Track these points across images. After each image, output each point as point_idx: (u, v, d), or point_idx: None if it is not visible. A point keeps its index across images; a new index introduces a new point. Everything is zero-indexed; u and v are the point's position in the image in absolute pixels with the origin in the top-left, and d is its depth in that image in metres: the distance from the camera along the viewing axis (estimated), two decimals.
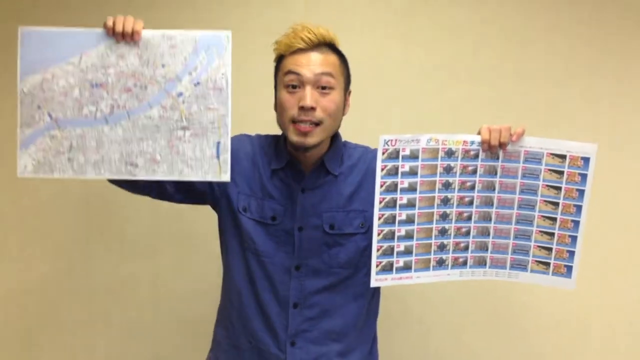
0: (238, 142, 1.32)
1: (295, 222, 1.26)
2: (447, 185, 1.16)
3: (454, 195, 1.17)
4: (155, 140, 1.21)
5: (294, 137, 1.20)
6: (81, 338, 1.92)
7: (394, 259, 1.16)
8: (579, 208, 1.16)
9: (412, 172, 1.14)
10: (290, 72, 1.20)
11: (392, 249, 1.15)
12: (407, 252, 1.16)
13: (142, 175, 1.20)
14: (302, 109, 1.18)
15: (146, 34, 1.18)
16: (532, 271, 1.20)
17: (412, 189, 1.14)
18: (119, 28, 1.17)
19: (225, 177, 1.21)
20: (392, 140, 1.12)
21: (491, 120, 1.76)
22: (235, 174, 1.28)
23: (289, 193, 1.27)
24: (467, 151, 1.15)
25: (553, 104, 1.79)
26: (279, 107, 1.24)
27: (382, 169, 1.12)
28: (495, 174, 1.17)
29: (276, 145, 1.32)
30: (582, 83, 1.78)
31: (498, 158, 1.16)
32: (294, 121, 1.20)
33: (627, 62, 1.78)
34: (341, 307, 1.28)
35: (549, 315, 1.83)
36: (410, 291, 1.84)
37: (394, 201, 1.14)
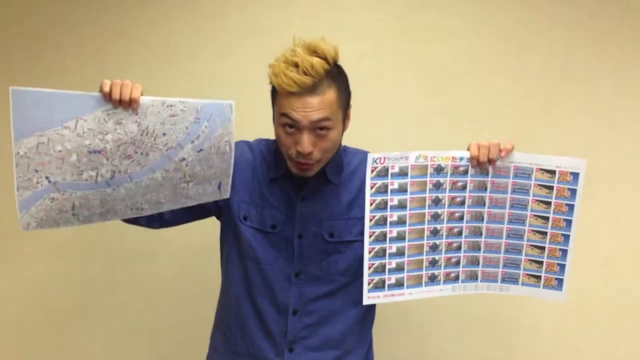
0: (238, 149, 1.31)
1: (294, 230, 1.27)
2: (437, 202, 1.17)
3: (444, 211, 1.18)
4: (159, 192, 1.20)
5: (293, 169, 1.22)
6: (80, 339, 1.95)
7: (386, 276, 1.18)
8: (569, 222, 1.17)
9: (402, 190, 1.15)
10: (285, 115, 1.16)
11: (383, 266, 1.17)
12: (399, 269, 1.18)
13: (148, 213, 1.21)
14: (299, 152, 1.17)
15: (145, 100, 1.14)
16: (523, 284, 1.22)
17: (402, 206, 1.16)
18: (115, 95, 1.12)
19: (226, 194, 1.25)
20: (380, 159, 1.14)
21: (490, 119, 1.80)
22: (237, 183, 1.29)
23: (288, 201, 1.28)
24: (456, 167, 1.16)
25: (552, 103, 1.80)
26: (277, 138, 1.23)
27: (372, 187, 1.14)
28: (485, 189, 1.18)
29: (275, 153, 1.31)
30: (581, 83, 1.79)
31: (487, 174, 1.17)
32: (292, 159, 1.20)
33: (627, 62, 1.79)
34: (340, 314, 1.30)
35: (549, 319, 1.84)
36: None
37: (384, 219, 1.16)
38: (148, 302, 1.94)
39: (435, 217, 1.18)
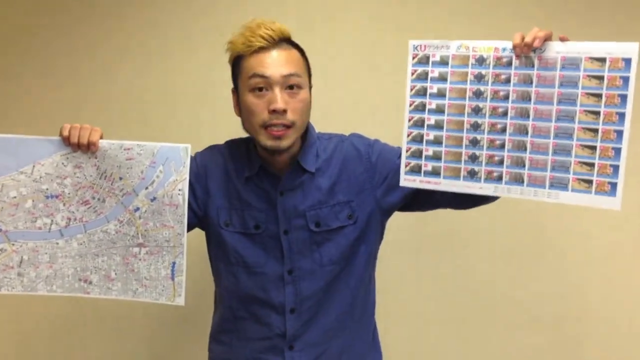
0: (207, 156, 1.37)
1: (279, 227, 1.30)
2: (478, 94, 1.22)
3: (486, 105, 1.22)
4: (110, 256, 1.24)
5: (267, 142, 1.23)
6: (74, 337, 2.00)
7: (422, 162, 1.26)
8: (621, 116, 1.10)
9: (442, 78, 1.24)
10: (255, 75, 1.21)
11: (420, 151, 1.26)
12: (436, 157, 1.25)
13: (95, 294, 1.25)
14: (273, 112, 1.20)
15: (103, 144, 1.21)
16: (573, 190, 1.16)
17: (441, 94, 1.24)
18: (74, 139, 1.19)
19: (180, 300, 1.26)
20: (421, 46, 1.25)
21: None
22: (212, 191, 1.33)
23: (267, 198, 1.31)
24: (499, 58, 1.20)
25: None
26: (245, 111, 1.25)
27: (412, 74, 1.26)
28: (531, 83, 1.19)
29: (246, 151, 1.34)
30: None
31: (533, 66, 1.18)
32: (266, 125, 1.22)
33: None
34: (336, 302, 1.33)
35: (548, 309, 1.88)
36: (407, 286, 1.90)
37: (423, 105, 1.25)
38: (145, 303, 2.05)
39: (477, 111, 1.23)
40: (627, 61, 1.09)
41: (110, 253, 1.24)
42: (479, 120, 1.23)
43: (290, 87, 1.23)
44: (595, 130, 1.13)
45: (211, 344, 1.46)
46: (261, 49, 1.22)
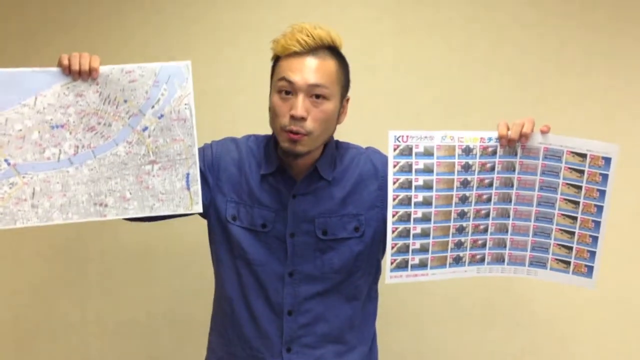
0: (223, 147, 1.42)
1: (287, 229, 1.36)
2: (465, 184, 1.27)
3: (472, 194, 1.28)
4: (123, 177, 1.29)
5: (284, 144, 1.29)
6: (75, 339, 2.08)
7: (409, 256, 1.29)
8: (600, 208, 1.26)
9: (427, 170, 1.26)
10: (283, 78, 1.27)
11: (407, 246, 1.28)
12: (423, 250, 1.29)
13: (112, 215, 1.30)
14: (292, 117, 1.26)
15: (104, 69, 1.25)
16: (551, 269, 1.32)
17: (427, 186, 1.26)
18: (75, 67, 1.23)
19: (197, 208, 1.32)
20: (402, 137, 1.24)
21: (484, 113, 1.91)
22: (223, 183, 1.39)
23: (279, 199, 1.37)
24: (485, 148, 1.26)
25: (546, 98, 1.92)
26: (271, 110, 1.32)
27: (395, 166, 1.24)
28: (514, 170, 1.27)
29: (265, 149, 1.40)
30: (574, 76, 1.90)
31: (516, 154, 1.26)
32: (285, 129, 1.28)
33: (619, 54, 1.89)
34: (335, 310, 1.39)
35: (545, 309, 1.98)
36: (405, 287, 1.92)
37: (409, 199, 1.26)
38: (143, 301, 2.07)
39: (464, 200, 1.28)
40: (607, 160, 1.23)
41: (123, 174, 1.29)
42: (466, 209, 1.29)
43: (316, 96, 1.27)
44: (575, 218, 1.28)
45: (211, 335, 1.51)
46: (295, 54, 1.27)
